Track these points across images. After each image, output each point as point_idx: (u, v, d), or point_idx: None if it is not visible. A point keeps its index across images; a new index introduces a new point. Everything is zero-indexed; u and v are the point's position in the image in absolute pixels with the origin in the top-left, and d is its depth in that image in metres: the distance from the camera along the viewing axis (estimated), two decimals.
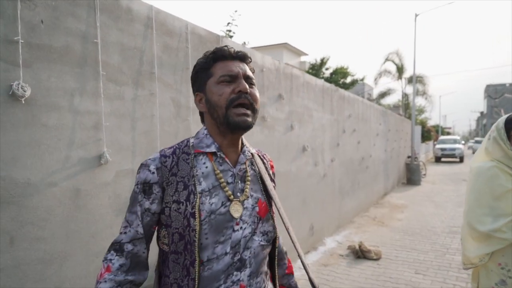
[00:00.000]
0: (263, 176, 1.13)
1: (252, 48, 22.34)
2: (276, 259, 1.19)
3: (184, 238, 0.99)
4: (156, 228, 1.08)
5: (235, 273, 1.02)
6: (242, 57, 1.09)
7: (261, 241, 1.07)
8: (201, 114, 1.13)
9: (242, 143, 1.14)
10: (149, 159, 1.05)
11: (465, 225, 2.16)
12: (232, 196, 1.03)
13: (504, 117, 2.09)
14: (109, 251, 1.04)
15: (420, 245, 5.22)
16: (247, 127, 1.04)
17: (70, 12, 1.89)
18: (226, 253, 1.00)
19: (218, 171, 1.04)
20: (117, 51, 2.14)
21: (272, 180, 1.21)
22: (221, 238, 1.00)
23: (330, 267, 4.38)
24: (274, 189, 1.18)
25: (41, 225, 1.76)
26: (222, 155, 1.06)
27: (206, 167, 1.04)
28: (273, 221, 1.12)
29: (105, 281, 1.00)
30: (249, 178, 1.10)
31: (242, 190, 1.06)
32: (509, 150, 1.99)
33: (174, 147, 1.08)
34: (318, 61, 13.51)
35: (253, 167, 1.14)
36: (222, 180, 1.03)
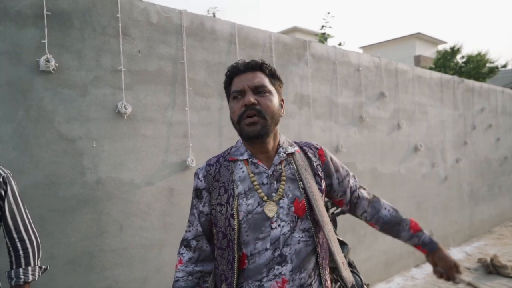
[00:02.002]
0: (302, 174, 1.15)
1: (382, 42, 20.88)
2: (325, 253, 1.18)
3: (226, 236, 1.11)
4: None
5: (276, 267, 1.08)
6: (253, 67, 1.14)
7: (301, 237, 1.11)
8: None
9: (279, 145, 1.19)
10: (199, 168, 1.22)
11: None
12: (265, 197, 1.10)
13: None
14: (180, 246, 1.23)
15: None
16: (256, 135, 1.09)
17: (162, 40, 2.27)
18: (266, 249, 1.09)
19: (252, 175, 1.13)
20: (203, 68, 2.45)
21: (317, 175, 1.20)
22: (260, 235, 1.09)
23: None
24: (324, 180, 1.21)
25: (143, 216, 2.16)
26: (254, 161, 1.15)
27: (243, 171, 1.14)
28: (314, 217, 1.12)
29: (179, 271, 1.21)
30: (284, 178, 1.14)
31: (277, 190, 1.12)
32: None
33: (219, 156, 1.22)
34: (449, 50, 11.84)
35: (291, 166, 1.17)
36: (256, 183, 1.12)
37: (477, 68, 10.87)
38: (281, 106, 1.20)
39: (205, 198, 1.18)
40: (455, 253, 4.73)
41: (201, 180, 1.18)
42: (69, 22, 1.96)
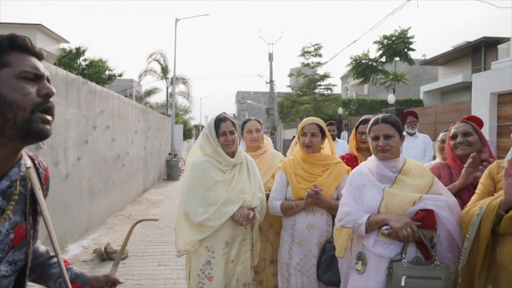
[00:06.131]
0: (36, 194, 0.95)
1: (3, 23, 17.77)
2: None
3: None
4: None
5: None
6: (42, 57, 0.96)
7: (6, 271, 0.89)
8: None
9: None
10: None
11: (180, 216, 2.36)
12: None
13: (214, 116, 2.41)
14: None
15: (167, 238, 5.50)
16: (47, 137, 0.91)
17: None
18: None
19: None
20: None
21: (45, 196, 1.05)
22: None
23: None
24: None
25: None
26: None
27: None
28: (29, 248, 0.95)
29: None
30: (16, 197, 0.91)
31: (2, 211, 0.88)
32: (217, 146, 2.31)
33: None
34: (74, 50, 12.15)
35: (25, 184, 0.95)
36: None
37: (98, 73, 11.74)
38: None
39: None
40: (73, 249, 4.87)
41: None
42: None
